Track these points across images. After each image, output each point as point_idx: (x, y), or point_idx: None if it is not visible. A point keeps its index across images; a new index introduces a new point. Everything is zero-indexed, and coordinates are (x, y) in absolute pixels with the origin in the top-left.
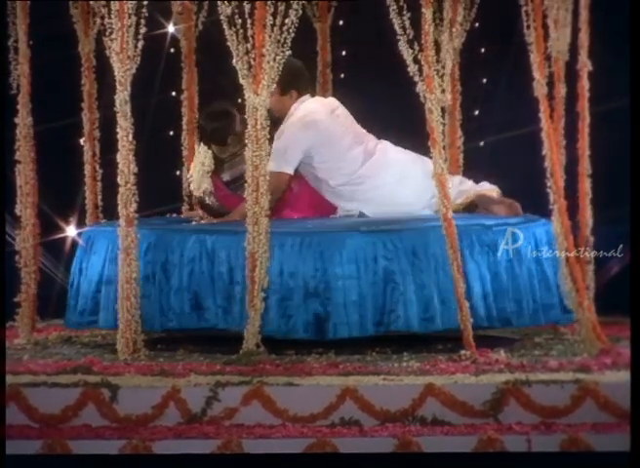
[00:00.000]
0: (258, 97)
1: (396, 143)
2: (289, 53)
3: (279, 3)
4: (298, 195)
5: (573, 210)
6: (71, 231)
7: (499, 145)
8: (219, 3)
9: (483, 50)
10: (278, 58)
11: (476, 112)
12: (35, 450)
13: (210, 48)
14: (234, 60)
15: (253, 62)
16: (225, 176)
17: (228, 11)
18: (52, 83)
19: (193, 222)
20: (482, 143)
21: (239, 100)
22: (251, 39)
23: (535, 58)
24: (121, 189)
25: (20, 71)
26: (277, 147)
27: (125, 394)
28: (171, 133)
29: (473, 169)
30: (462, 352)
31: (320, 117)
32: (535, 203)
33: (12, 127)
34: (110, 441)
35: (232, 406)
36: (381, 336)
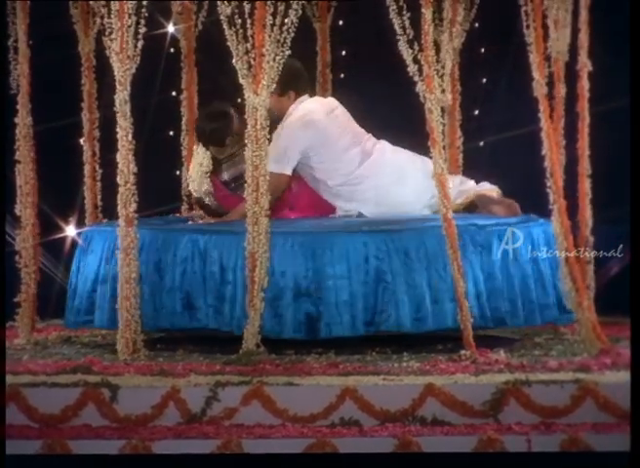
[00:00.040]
0: (257, 97)
1: (396, 143)
2: (289, 53)
3: (279, 3)
4: (297, 195)
5: (573, 210)
6: (71, 231)
7: (498, 145)
8: (218, 3)
9: (483, 50)
10: (278, 57)
11: (476, 112)
12: (35, 450)
13: (209, 48)
14: (234, 60)
15: (252, 62)
16: (224, 177)
17: (228, 11)
18: (52, 83)
19: (190, 222)
20: (482, 143)
21: (239, 100)
22: (251, 39)
23: (534, 59)
24: (121, 189)
25: (20, 71)
26: (276, 147)
27: (125, 394)
28: (170, 133)
29: (473, 169)
30: (462, 352)
31: (319, 117)
32: (535, 203)
33: (12, 127)
34: (110, 441)
35: (232, 406)
36: (382, 336)
